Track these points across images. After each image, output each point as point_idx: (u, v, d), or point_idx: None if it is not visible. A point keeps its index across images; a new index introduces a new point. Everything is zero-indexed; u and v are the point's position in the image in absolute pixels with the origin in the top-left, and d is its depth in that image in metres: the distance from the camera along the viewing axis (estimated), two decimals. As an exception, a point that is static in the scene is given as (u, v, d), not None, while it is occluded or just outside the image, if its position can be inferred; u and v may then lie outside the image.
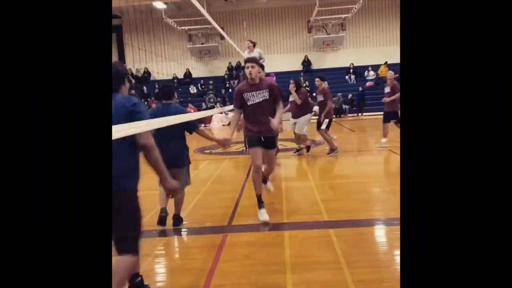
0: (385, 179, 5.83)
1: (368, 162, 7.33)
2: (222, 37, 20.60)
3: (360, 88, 18.32)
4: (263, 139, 3.90)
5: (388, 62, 19.34)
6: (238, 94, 3.92)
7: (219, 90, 20.02)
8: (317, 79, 7.69)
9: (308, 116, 7.41)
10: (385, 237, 3.54)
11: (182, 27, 19.07)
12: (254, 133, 3.92)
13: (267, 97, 3.84)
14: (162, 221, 3.83)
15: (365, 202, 4.60)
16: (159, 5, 17.12)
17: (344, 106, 17.96)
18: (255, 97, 3.84)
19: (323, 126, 7.39)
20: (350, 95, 18.32)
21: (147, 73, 20.49)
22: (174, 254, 3.53)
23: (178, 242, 3.79)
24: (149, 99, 19.03)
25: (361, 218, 3.98)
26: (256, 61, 3.86)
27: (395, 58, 19.83)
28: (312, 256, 3.09)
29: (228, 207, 4.61)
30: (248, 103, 3.86)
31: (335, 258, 3.02)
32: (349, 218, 3.97)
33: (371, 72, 19.79)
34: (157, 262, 3.26)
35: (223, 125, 16.53)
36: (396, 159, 7.00)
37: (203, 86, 20.23)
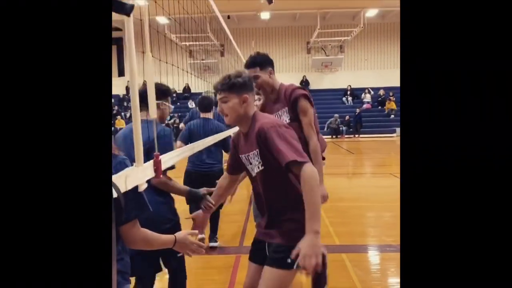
0: (391, 204, 5.88)
1: (370, 185, 7.40)
2: (222, 54, 20.90)
3: (357, 110, 18.55)
4: (263, 248, 1.85)
5: (385, 86, 19.68)
6: (232, 148, 1.99)
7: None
8: None
9: None
10: (399, 264, 3.58)
11: (183, 43, 19.25)
12: (256, 232, 1.97)
13: (261, 167, 1.76)
14: None
15: (373, 226, 4.65)
16: (162, 20, 17.30)
17: (341, 127, 18.14)
18: (250, 163, 1.82)
19: None
20: (347, 117, 18.52)
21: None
22: (190, 275, 3.52)
23: (192, 261, 3.78)
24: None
25: (373, 243, 4.03)
26: (231, 86, 1.75)
27: (392, 82, 20.20)
28: (329, 281, 3.11)
29: (237, 227, 4.62)
30: (251, 174, 1.87)
31: (352, 284, 3.04)
32: (360, 243, 4.01)
33: (368, 95, 20.07)
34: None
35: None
36: (398, 184, 7.07)
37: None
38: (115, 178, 0.96)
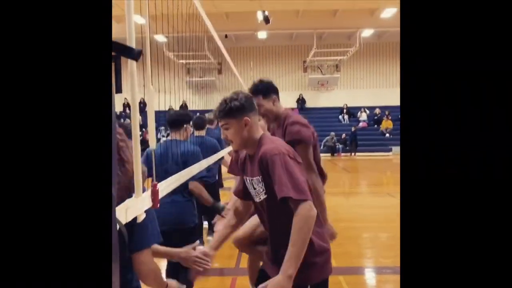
0: (386, 224, 5.88)
1: (367, 205, 7.39)
2: (220, 72, 21.07)
3: (353, 128, 18.63)
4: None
5: (381, 105, 19.88)
6: (239, 167, 1.88)
7: (214, 123, 20.22)
8: None
9: None
10: (396, 286, 3.57)
11: (181, 61, 19.43)
12: (263, 260, 1.94)
13: (265, 195, 1.67)
14: None
15: (370, 247, 4.64)
16: (160, 39, 17.46)
17: (337, 145, 18.20)
18: (254, 188, 1.72)
19: None
20: (343, 135, 18.61)
21: (143, 104, 20.61)
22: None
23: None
24: (143, 130, 19.05)
25: (369, 265, 4.02)
26: (229, 111, 1.66)
27: (388, 101, 20.34)
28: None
29: (233, 247, 4.58)
30: (254, 200, 1.77)
31: (349, 307, 3.03)
32: (357, 264, 4.00)
33: (364, 114, 20.21)
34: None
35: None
36: (394, 204, 7.08)
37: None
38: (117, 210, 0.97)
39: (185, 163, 2.58)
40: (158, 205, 1.25)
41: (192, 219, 2.71)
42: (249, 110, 1.66)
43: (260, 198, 1.67)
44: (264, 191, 1.63)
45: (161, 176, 2.65)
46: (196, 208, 2.85)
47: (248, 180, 1.73)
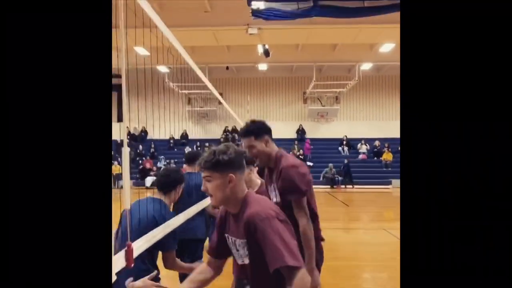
0: (385, 263, 5.75)
1: (365, 242, 7.26)
2: (220, 102, 21.25)
3: (345, 160, 18.40)
4: None
5: (380, 137, 19.92)
6: (218, 224, 1.74)
7: (214, 153, 20.17)
8: None
9: None
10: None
11: (182, 91, 19.65)
12: None
13: (247, 260, 1.60)
14: None
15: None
16: (163, 69, 17.72)
17: (337, 177, 18.06)
18: (237, 250, 1.63)
19: None
20: (342, 166, 18.52)
21: (144, 132, 20.73)
22: None
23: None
24: (143, 158, 19.05)
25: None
26: (215, 164, 1.54)
27: (387, 133, 20.30)
28: None
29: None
30: (237, 261, 1.69)
31: None
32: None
33: (364, 146, 20.20)
34: None
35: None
36: (393, 241, 6.95)
37: (199, 148, 20.42)
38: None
39: (198, 189, 3.31)
40: (132, 264, 1.20)
41: (203, 232, 3.64)
42: (237, 167, 1.55)
43: (243, 261, 1.59)
44: (248, 256, 1.55)
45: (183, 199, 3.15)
46: (206, 225, 3.75)
47: (230, 240, 1.63)
